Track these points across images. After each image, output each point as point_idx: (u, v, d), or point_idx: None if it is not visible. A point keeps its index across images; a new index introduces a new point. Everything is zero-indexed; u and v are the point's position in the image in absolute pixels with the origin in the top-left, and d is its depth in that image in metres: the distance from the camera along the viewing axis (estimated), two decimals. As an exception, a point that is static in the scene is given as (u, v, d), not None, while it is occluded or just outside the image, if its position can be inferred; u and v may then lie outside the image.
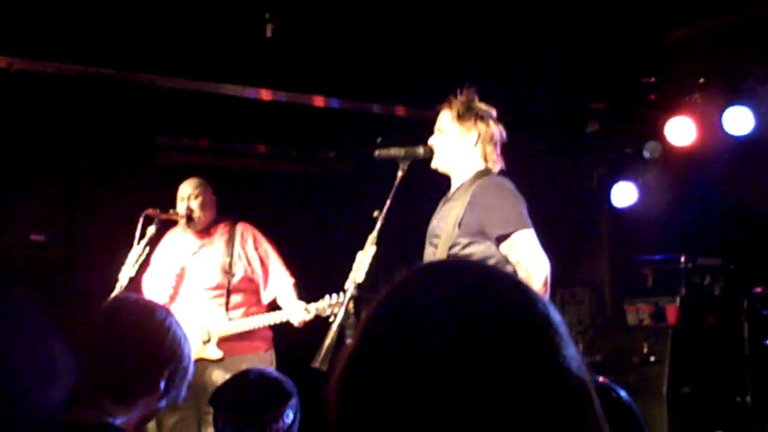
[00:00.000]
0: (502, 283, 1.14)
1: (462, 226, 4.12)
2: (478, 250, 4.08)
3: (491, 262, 3.99)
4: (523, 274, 3.87)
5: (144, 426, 2.44)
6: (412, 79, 6.67)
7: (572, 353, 1.10)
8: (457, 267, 1.22)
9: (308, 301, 5.46)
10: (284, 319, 5.51)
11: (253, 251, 5.80)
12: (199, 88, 6.55)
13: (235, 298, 5.74)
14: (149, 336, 2.30)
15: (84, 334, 2.28)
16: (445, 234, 4.15)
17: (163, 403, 2.34)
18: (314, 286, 5.57)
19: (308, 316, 5.40)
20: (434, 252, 4.18)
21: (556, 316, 1.12)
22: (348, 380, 1.13)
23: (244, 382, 3.08)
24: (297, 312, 5.43)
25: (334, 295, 5.29)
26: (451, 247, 4.11)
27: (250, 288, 5.80)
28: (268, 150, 8.15)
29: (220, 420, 3.03)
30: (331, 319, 5.09)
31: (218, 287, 5.72)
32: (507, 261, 4.01)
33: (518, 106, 6.78)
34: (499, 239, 4.03)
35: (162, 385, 2.29)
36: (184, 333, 2.39)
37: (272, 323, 5.57)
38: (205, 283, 5.72)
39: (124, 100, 6.60)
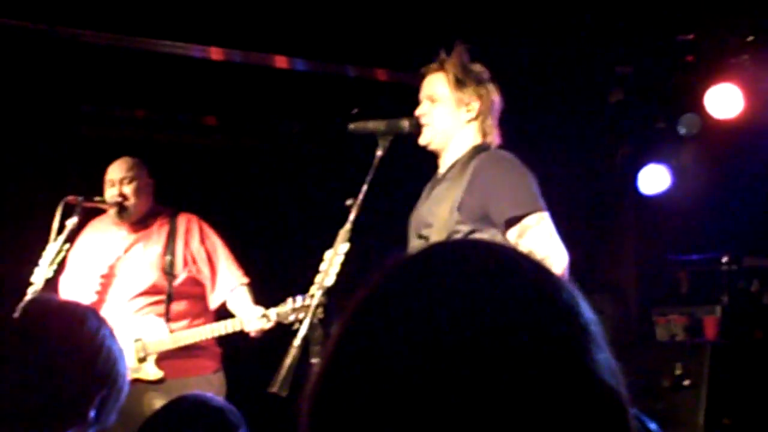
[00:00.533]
0: (522, 265, 1.12)
1: (462, 210, 4.12)
2: (481, 239, 4.07)
3: None
4: None
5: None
6: (396, 36, 6.64)
7: (605, 359, 1.08)
8: (468, 247, 1.20)
9: (267, 309, 5.43)
10: (237, 328, 5.47)
11: (198, 246, 5.79)
12: (133, 45, 6.53)
13: (177, 306, 5.72)
14: (78, 352, 2.21)
15: None
16: (440, 221, 4.16)
17: None
18: (273, 291, 5.55)
19: (267, 324, 5.37)
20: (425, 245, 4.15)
21: (587, 311, 1.11)
22: (326, 397, 1.10)
23: (176, 413, 3.03)
24: (253, 318, 5.40)
25: (299, 298, 5.27)
26: (448, 237, 4.08)
27: (194, 293, 5.79)
28: (217, 122, 8.13)
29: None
30: (295, 326, 5.11)
31: (156, 292, 5.69)
32: None
33: (524, 68, 6.77)
34: (508, 224, 4.04)
35: (92, 414, 2.21)
36: (120, 346, 2.32)
37: (223, 333, 5.53)
38: (140, 287, 5.69)
39: (41, 59, 6.56)
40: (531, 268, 1.12)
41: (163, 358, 5.58)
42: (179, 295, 5.73)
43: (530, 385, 1.01)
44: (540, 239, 3.97)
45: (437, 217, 4.18)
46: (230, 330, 5.49)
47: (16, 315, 2.27)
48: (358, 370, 1.06)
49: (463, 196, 4.13)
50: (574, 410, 1.03)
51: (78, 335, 2.22)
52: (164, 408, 3.12)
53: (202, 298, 5.79)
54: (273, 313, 5.36)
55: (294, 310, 5.26)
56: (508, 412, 1.00)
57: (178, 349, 5.57)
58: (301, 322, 5.06)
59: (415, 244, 4.29)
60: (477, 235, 4.06)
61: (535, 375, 1.02)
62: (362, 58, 7.21)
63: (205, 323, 5.65)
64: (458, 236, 4.05)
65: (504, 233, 4.05)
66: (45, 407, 2.16)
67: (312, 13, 6.38)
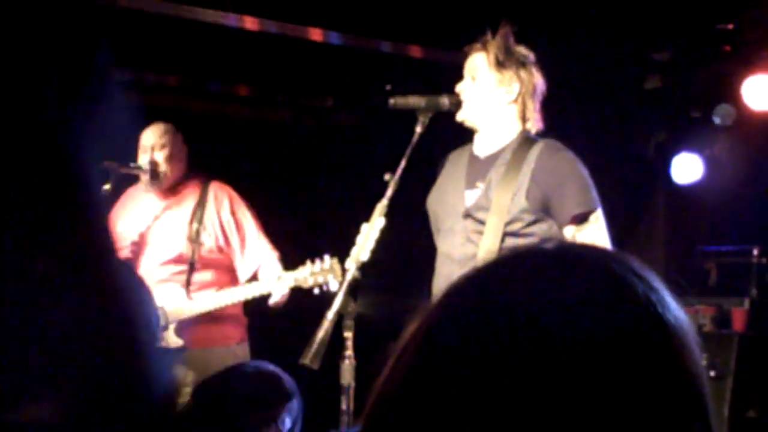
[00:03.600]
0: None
1: (529, 199, 4.21)
2: (541, 229, 4.21)
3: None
4: None
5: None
6: (431, 12, 6.63)
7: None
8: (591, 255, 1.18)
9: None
10: (256, 293, 5.47)
11: (228, 216, 5.77)
12: (168, 11, 6.49)
13: (203, 276, 5.72)
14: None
15: None
16: (500, 206, 4.22)
17: None
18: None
19: (285, 289, 5.38)
20: (478, 229, 4.22)
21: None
22: (402, 401, 1.11)
23: (236, 375, 3.10)
24: (271, 283, 5.43)
25: (318, 261, 5.28)
26: (509, 223, 4.20)
27: (222, 263, 5.78)
28: (251, 93, 8.14)
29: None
30: (315, 291, 5.16)
31: (183, 261, 5.69)
32: None
33: (560, 53, 6.75)
34: (572, 219, 4.16)
35: None
36: (149, 292, 2.30)
37: (242, 299, 5.52)
38: (167, 255, 5.69)
39: (75, 23, 6.53)
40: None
41: (186, 327, 5.57)
42: (206, 264, 5.71)
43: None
44: (599, 235, 4.16)
45: (496, 202, 4.23)
46: (249, 295, 5.49)
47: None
48: (455, 354, 1.08)
49: (529, 185, 4.21)
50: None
51: None
52: (226, 370, 3.19)
53: (229, 268, 5.77)
54: (291, 276, 5.36)
55: (312, 273, 5.27)
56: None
57: (203, 318, 5.56)
58: (320, 286, 5.14)
59: (459, 226, 4.34)
60: (537, 226, 4.21)
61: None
62: (397, 33, 7.19)
63: (233, 294, 5.64)
64: (519, 224, 4.20)
65: (561, 226, 4.19)
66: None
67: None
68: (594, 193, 4.23)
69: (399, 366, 1.12)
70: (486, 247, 4.17)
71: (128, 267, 2.37)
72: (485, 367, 1.05)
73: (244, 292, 5.50)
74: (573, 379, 1.03)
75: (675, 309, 1.12)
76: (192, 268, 5.68)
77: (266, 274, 5.64)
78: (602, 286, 1.09)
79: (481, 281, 1.15)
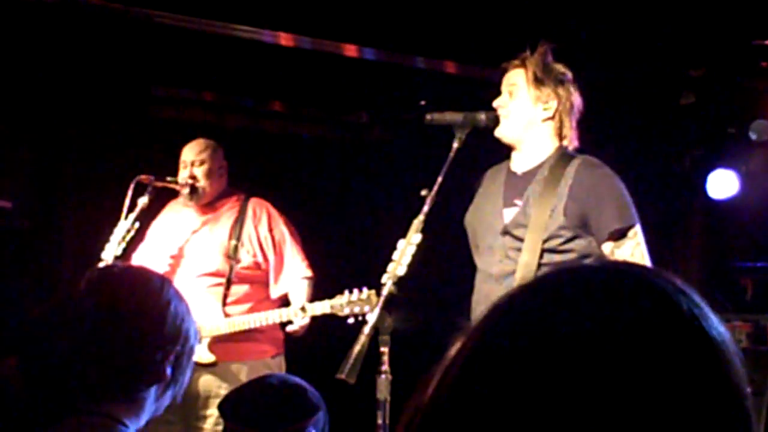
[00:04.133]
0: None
1: (568, 215, 4.20)
2: (579, 246, 4.20)
3: (589, 261, 4.06)
4: None
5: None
6: (466, 29, 6.64)
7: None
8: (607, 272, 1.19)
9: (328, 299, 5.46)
10: (285, 319, 5.52)
11: (266, 233, 5.80)
12: (205, 28, 6.53)
13: (239, 290, 5.75)
14: (147, 311, 2.27)
15: (66, 316, 2.25)
16: (538, 223, 4.22)
17: (170, 394, 2.33)
18: (341, 280, 5.54)
19: (301, 320, 5.42)
20: (516, 246, 4.23)
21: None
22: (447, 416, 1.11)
23: (261, 387, 3.12)
24: (296, 312, 5.47)
25: (356, 291, 5.29)
26: (547, 240, 4.20)
27: (258, 279, 5.81)
28: (285, 109, 8.15)
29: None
30: (350, 320, 5.17)
31: (219, 275, 5.72)
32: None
33: (595, 69, 6.76)
34: (610, 235, 4.16)
35: (169, 371, 2.27)
36: (186, 304, 2.37)
37: (278, 321, 5.56)
38: (203, 270, 5.72)
39: (113, 39, 6.59)
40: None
41: (219, 341, 5.60)
42: (242, 280, 5.73)
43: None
44: (635, 251, 4.14)
45: (534, 219, 4.23)
46: (285, 319, 5.51)
47: (82, 284, 2.31)
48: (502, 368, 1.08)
49: (566, 201, 4.21)
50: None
51: (144, 296, 2.29)
52: (251, 382, 3.22)
53: (267, 284, 5.80)
54: (327, 305, 5.37)
55: (349, 303, 5.27)
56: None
57: (235, 333, 5.59)
58: (355, 316, 5.15)
59: (496, 243, 4.34)
60: (578, 241, 4.21)
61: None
62: (432, 49, 7.20)
63: (268, 309, 5.63)
64: (558, 241, 4.19)
65: (600, 242, 4.18)
66: (126, 365, 2.23)
67: (384, 2, 6.40)
68: (632, 209, 4.22)
69: (443, 384, 1.12)
70: (524, 264, 4.18)
71: (168, 282, 2.40)
72: (531, 385, 1.05)
73: (278, 315, 5.51)
74: (621, 395, 1.03)
75: (717, 324, 1.12)
76: (229, 284, 5.71)
77: (294, 298, 5.70)
78: (648, 302, 1.10)
79: (525, 299, 1.15)
